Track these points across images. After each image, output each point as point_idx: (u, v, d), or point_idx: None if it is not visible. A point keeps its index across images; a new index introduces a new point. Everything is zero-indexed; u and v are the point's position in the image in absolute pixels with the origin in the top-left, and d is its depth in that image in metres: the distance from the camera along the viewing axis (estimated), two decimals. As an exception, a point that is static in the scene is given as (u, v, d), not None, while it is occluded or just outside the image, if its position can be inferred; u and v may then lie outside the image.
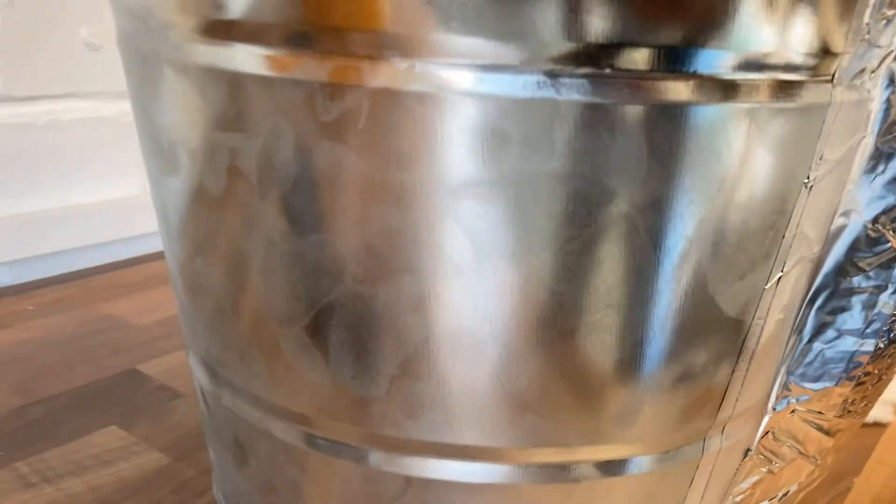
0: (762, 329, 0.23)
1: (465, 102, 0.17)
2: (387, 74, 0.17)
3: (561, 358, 0.20)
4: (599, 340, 0.20)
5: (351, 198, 0.19)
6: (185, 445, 0.39)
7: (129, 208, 0.60)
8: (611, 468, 0.23)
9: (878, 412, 0.46)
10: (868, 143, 0.22)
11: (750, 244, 0.21)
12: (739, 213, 0.20)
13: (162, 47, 0.20)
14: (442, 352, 0.20)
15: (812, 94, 0.20)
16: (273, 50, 0.18)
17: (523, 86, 0.17)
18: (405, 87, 0.17)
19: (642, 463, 0.23)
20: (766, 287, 0.22)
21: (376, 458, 0.23)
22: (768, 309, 0.22)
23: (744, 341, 0.22)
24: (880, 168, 0.23)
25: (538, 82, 0.17)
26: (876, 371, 0.26)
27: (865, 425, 0.45)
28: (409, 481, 0.23)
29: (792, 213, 0.21)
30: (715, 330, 0.22)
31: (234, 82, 0.19)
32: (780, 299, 0.23)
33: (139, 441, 0.39)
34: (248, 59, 0.18)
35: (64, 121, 0.56)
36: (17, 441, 0.39)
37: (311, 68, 0.18)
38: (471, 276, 0.19)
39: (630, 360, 0.21)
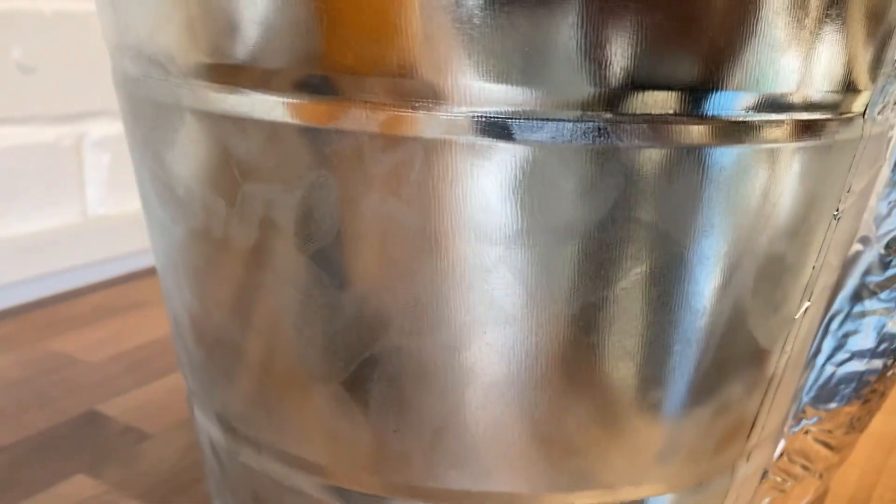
0: (789, 357, 0.23)
1: (523, 152, 0.17)
2: (444, 124, 0.17)
3: (605, 401, 0.20)
4: (643, 382, 0.20)
5: (400, 250, 0.18)
6: (162, 491, 0.37)
7: (68, 238, 0.57)
8: None
9: None
10: (885, 172, 0.23)
11: (786, 278, 0.21)
12: (774, 249, 0.20)
13: (185, 94, 0.19)
14: (487, 401, 0.20)
15: (843, 131, 0.20)
16: (317, 100, 0.17)
17: (582, 134, 0.17)
18: (462, 138, 0.17)
19: (679, 499, 0.23)
20: (797, 317, 0.22)
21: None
22: (796, 338, 0.22)
23: (774, 371, 0.22)
24: (894, 195, 0.23)
25: (599, 129, 0.17)
26: (881, 388, 0.27)
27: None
28: None
29: (821, 245, 0.21)
30: (749, 363, 0.22)
31: (273, 132, 0.18)
32: (803, 328, 0.23)
33: (111, 489, 0.37)
34: (288, 109, 0.17)
35: (-2, 148, 0.53)
36: (15, 476, 0.37)
37: (361, 119, 0.17)
38: (521, 325, 0.19)
39: (671, 398, 0.21)
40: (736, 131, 0.18)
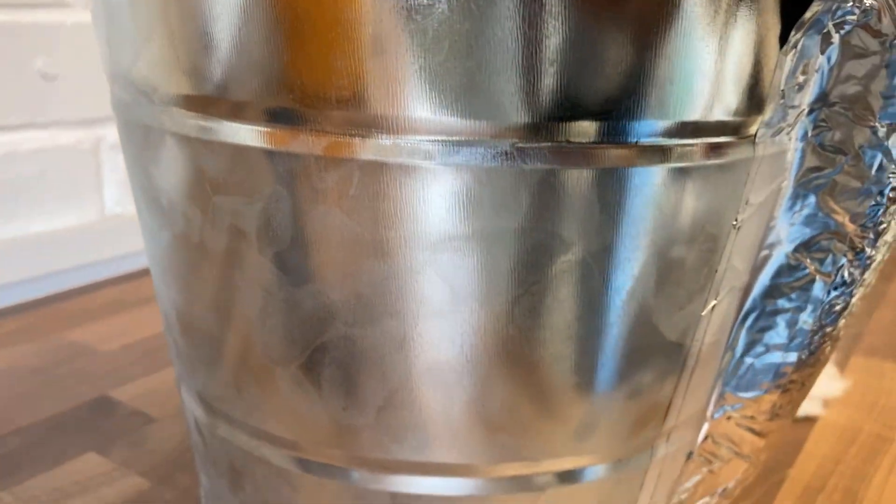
0: (700, 349, 0.26)
1: (444, 172, 0.20)
2: (375, 149, 0.20)
3: (527, 385, 0.23)
4: (560, 368, 0.23)
5: (343, 253, 0.21)
6: (164, 469, 0.41)
7: (88, 235, 0.61)
8: (571, 477, 0.26)
9: (808, 406, 0.50)
10: (787, 187, 0.25)
11: (688, 280, 0.24)
12: (678, 254, 0.23)
13: (165, 120, 0.22)
14: (423, 384, 0.23)
15: (738, 152, 0.23)
16: (273, 127, 0.20)
17: (493, 157, 0.20)
18: (391, 160, 0.20)
19: (598, 471, 0.26)
20: (703, 314, 0.25)
21: (364, 477, 0.25)
22: (705, 332, 0.26)
23: (684, 361, 0.25)
24: (798, 206, 0.26)
25: (505, 153, 0.20)
26: (800, 379, 0.30)
27: (797, 420, 0.49)
28: (394, 497, 0.25)
29: (723, 251, 0.24)
30: (659, 353, 0.25)
31: (237, 153, 0.21)
32: (714, 323, 0.26)
33: (118, 467, 0.41)
34: (250, 134, 0.21)
35: (21, 151, 0.57)
36: (22, 461, 0.40)
37: (308, 144, 0.20)
38: (449, 318, 0.22)
39: (587, 383, 0.24)
40: (654, 154, 0.21)
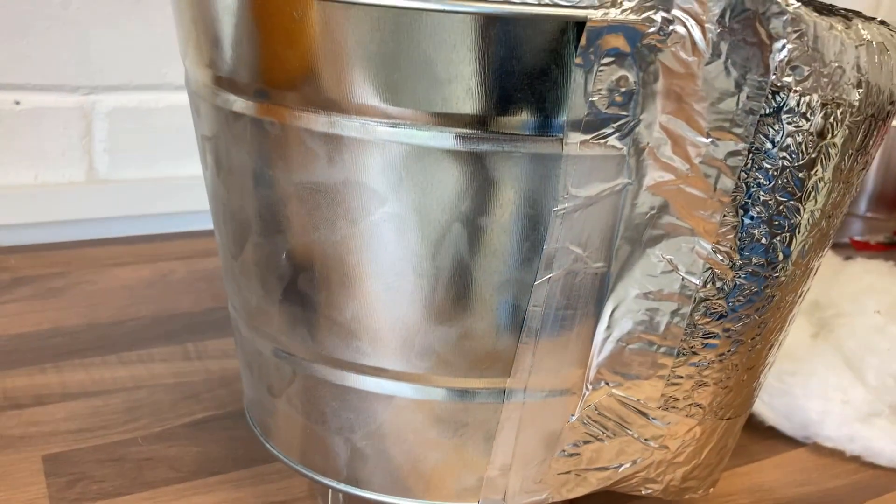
0: (544, 316, 0.30)
1: (390, 147, 0.27)
2: (339, 126, 0.28)
3: (407, 323, 0.30)
4: (423, 310, 0.30)
5: (319, 209, 0.30)
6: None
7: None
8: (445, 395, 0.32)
9: None
10: (633, 189, 0.28)
11: (504, 250, 0.29)
12: (494, 228, 0.28)
13: (203, 93, 0.33)
14: (375, 309, 0.30)
15: (541, 147, 0.27)
16: (262, 101, 0.29)
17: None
18: (351, 135, 0.28)
19: (457, 395, 0.32)
20: (536, 283, 0.29)
21: (322, 370, 0.34)
22: (544, 301, 0.30)
23: (523, 321, 0.30)
24: (653, 209, 0.29)
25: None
26: (691, 376, 0.32)
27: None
28: (344, 389, 0.34)
29: (552, 232, 0.28)
30: (494, 306, 0.30)
31: (243, 121, 0.30)
32: (560, 297, 0.30)
33: (200, 358, 0.55)
34: (249, 107, 0.30)
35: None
36: (196, 330, 0.57)
37: (286, 117, 0.29)
38: (391, 264, 0.30)
39: (431, 324, 0.30)
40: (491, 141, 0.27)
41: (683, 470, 0.35)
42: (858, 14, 0.30)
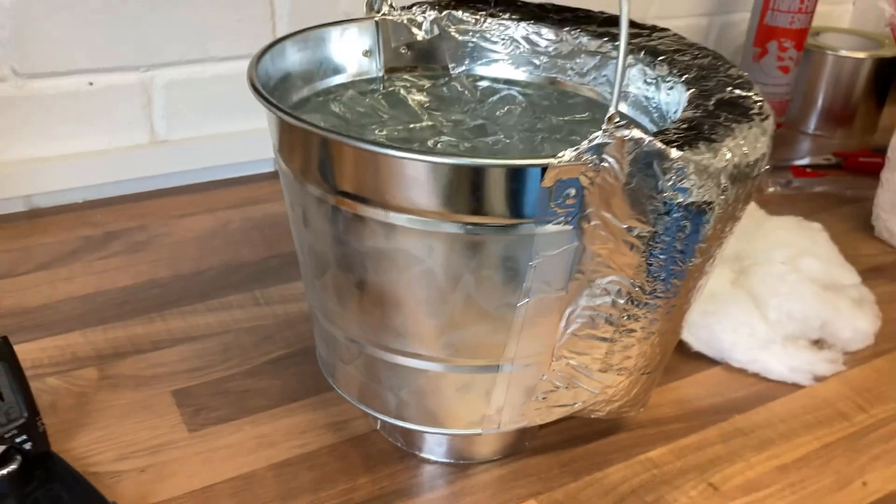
0: (524, 323, 0.47)
1: (411, 232, 0.43)
2: (392, 218, 0.43)
3: (419, 326, 0.47)
4: (434, 323, 0.46)
5: (373, 258, 0.46)
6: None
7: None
8: (467, 370, 0.49)
9: (799, 377, 0.64)
10: (578, 248, 0.44)
11: (496, 288, 0.45)
12: (491, 276, 0.44)
13: (291, 184, 0.48)
14: (393, 316, 0.48)
15: (522, 231, 0.43)
16: (338, 198, 0.45)
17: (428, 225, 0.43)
18: (399, 224, 0.43)
19: (467, 370, 0.49)
20: (519, 304, 0.46)
21: (380, 352, 0.51)
22: (524, 314, 0.46)
23: (514, 324, 0.47)
24: (593, 260, 0.45)
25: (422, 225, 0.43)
26: (619, 351, 0.49)
27: (785, 384, 0.64)
28: (394, 364, 0.50)
29: (529, 276, 0.45)
30: (492, 319, 0.46)
31: (325, 209, 0.46)
32: (534, 311, 0.46)
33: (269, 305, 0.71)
34: (326, 196, 0.46)
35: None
36: (259, 277, 0.74)
37: (357, 208, 0.45)
38: (414, 293, 0.46)
39: (452, 330, 0.47)
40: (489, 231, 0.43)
41: (618, 404, 0.53)
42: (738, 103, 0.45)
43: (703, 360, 0.68)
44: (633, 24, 0.59)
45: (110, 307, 0.69)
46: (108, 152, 0.83)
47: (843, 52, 1.09)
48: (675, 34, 0.58)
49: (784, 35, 1.04)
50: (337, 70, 0.58)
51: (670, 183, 0.40)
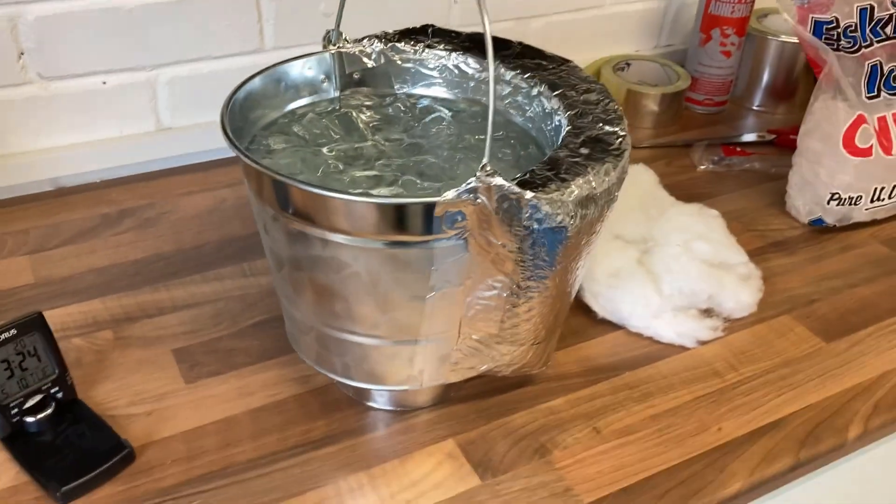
0: (432, 310, 0.62)
1: (341, 246, 0.58)
2: (331, 236, 0.58)
3: (363, 313, 0.62)
4: (360, 312, 0.61)
5: (313, 262, 0.61)
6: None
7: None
8: (397, 342, 0.65)
9: (684, 340, 0.79)
10: (469, 256, 0.59)
11: (410, 285, 0.60)
12: (403, 275, 0.59)
13: (265, 215, 0.63)
14: (340, 303, 0.63)
15: (427, 245, 0.57)
16: (305, 224, 0.60)
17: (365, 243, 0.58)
18: (336, 240, 0.58)
19: (393, 343, 0.64)
20: (427, 298, 0.61)
21: (328, 330, 0.66)
22: (432, 304, 0.61)
23: (424, 311, 0.62)
24: (478, 268, 0.59)
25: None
26: (510, 328, 0.64)
27: (671, 345, 0.79)
28: (340, 339, 0.66)
29: (431, 276, 0.59)
30: (407, 308, 0.61)
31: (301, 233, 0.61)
32: (441, 300, 0.61)
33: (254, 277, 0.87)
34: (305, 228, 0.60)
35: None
36: (248, 251, 0.89)
37: (305, 227, 0.60)
38: (348, 294, 0.61)
39: (377, 315, 0.62)
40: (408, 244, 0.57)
41: (517, 366, 0.68)
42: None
43: (608, 325, 0.82)
44: (541, 55, 0.72)
45: (124, 278, 0.84)
46: (120, 139, 0.98)
47: (783, 38, 1.20)
48: (575, 67, 0.71)
49: (726, 23, 1.15)
50: (300, 94, 0.72)
51: (527, 214, 0.54)
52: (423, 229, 0.55)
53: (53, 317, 0.77)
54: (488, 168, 0.53)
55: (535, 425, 0.71)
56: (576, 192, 0.55)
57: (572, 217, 0.55)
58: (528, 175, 0.55)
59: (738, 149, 1.12)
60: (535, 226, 0.54)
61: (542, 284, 0.59)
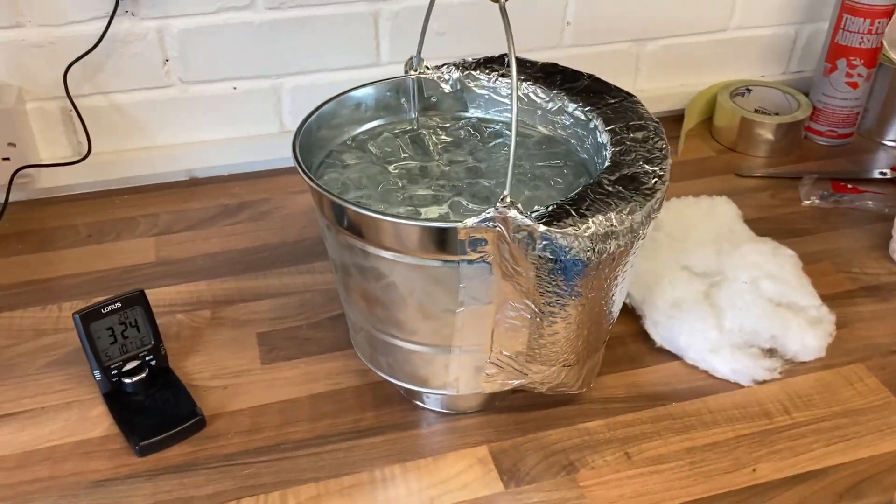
0: (463, 323, 0.67)
1: (379, 257, 0.65)
2: (382, 252, 0.65)
3: (407, 320, 0.68)
4: (390, 320, 0.68)
5: (364, 273, 0.68)
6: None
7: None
8: (434, 348, 0.71)
9: (741, 378, 0.80)
10: (494, 278, 0.63)
11: (442, 299, 0.65)
12: (434, 290, 0.65)
13: (328, 233, 0.71)
14: (395, 314, 0.69)
15: (453, 265, 0.63)
16: (361, 241, 0.67)
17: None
18: (383, 255, 0.65)
19: (435, 349, 0.70)
20: (457, 312, 0.66)
21: (377, 333, 0.73)
22: (462, 317, 0.66)
23: (455, 325, 0.67)
24: (504, 287, 0.64)
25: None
26: (538, 348, 0.68)
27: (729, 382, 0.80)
28: (386, 342, 0.72)
29: (459, 292, 0.64)
30: (439, 319, 0.67)
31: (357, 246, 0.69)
32: (470, 315, 0.66)
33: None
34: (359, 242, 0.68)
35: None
36: None
37: (358, 242, 0.67)
38: (395, 303, 0.68)
39: (412, 323, 0.68)
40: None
41: (551, 384, 0.71)
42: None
43: (665, 355, 0.84)
44: (608, 89, 0.75)
45: (230, 264, 0.95)
46: (247, 138, 1.09)
47: (919, 70, 1.14)
48: (637, 102, 0.73)
49: (853, 54, 1.11)
50: (380, 115, 0.79)
51: (541, 246, 0.58)
52: (449, 250, 0.60)
53: (165, 293, 0.88)
54: (507, 200, 0.57)
55: (569, 443, 0.74)
56: (592, 229, 0.58)
57: (588, 251, 0.59)
58: (549, 208, 0.59)
59: (850, 185, 1.08)
60: (550, 256, 0.58)
61: (564, 311, 0.63)
